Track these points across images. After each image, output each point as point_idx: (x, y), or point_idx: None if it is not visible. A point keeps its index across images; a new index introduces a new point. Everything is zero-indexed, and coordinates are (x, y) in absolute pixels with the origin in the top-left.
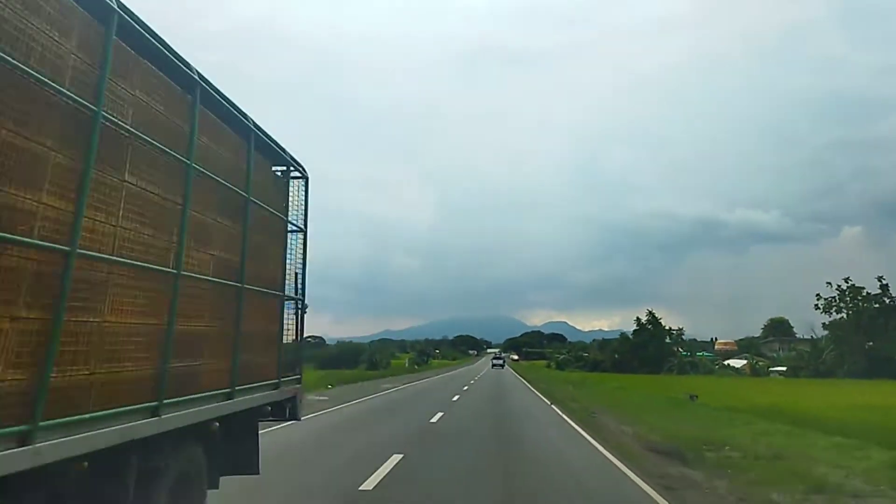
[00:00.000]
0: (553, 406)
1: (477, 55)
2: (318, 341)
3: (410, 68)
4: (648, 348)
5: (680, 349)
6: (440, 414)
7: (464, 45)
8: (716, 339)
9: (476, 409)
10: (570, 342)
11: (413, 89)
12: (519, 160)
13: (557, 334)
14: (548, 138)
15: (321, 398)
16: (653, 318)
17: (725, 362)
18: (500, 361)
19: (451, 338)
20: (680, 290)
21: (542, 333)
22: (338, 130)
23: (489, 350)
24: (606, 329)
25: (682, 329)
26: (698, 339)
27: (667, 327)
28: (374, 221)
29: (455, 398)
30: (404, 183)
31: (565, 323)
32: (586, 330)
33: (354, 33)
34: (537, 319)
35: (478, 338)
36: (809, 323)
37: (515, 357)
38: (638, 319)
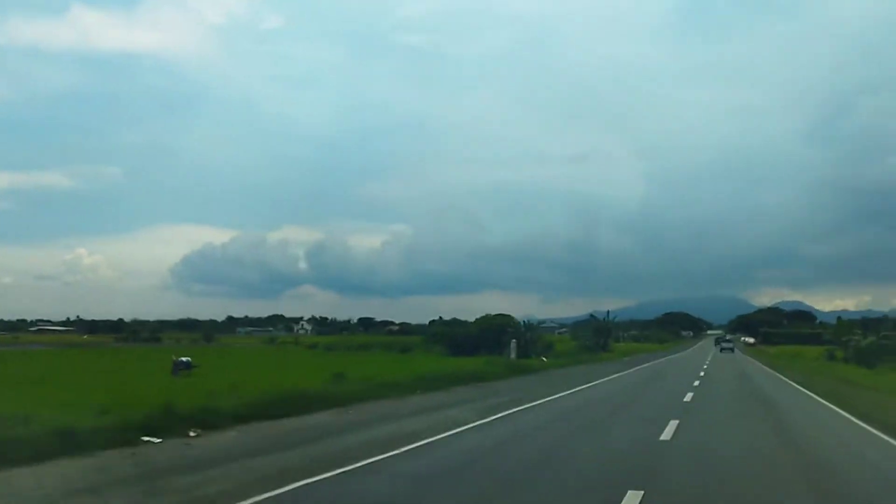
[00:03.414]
0: None
1: (700, 7)
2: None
3: (624, 29)
4: None
5: None
6: None
7: None
8: None
9: None
10: (820, 322)
11: (627, 52)
12: (749, 120)
13: (803, 312)
14: (786, 91)
15: None
16: None
17: None
18: (729, 345)
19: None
20: None
21: (782, 311)
22: (548, 104)
23: (710, 332)
24: (853, 309)
25: None
26: None
27: None
28: (584, 197)
29: None
30: (615, 154)
31: (801, 303)
32: (827, 310)
33: (563, 2)
34: (766, 299)
35: (694, 316)
36: None
37: (751, 340)
38: None
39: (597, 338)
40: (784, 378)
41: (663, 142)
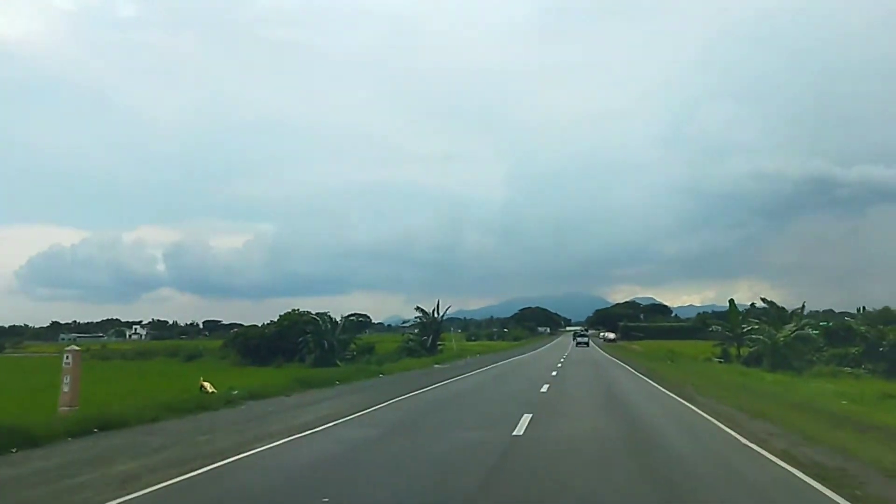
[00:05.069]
0: None
1: (563, 10)
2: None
3: (489, 29)
4: None
5: None
6: None
7: (549, 1)
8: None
9: None
10: (675, 316)
11: (491, 52)
12: (606, 123)
13: (660, 305)
14: (638, 97)
15: None
16: None
17: None
18: (585, 339)
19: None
20: (785, 259)
21: (639, 305)
22: (415, 103)
23: (568, 328)
24: (698, 304)
25: None
26: None
27: None
28: (450, 197)
29: None
30: (480, 155)
31: (653, 299)
32: (675, 306)
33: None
34: (620, 296)
35: (552, 311)
36: None
37: (612, 336)
38: None
39: (423, 337)
40: (744, 440)
41: (525, 142)
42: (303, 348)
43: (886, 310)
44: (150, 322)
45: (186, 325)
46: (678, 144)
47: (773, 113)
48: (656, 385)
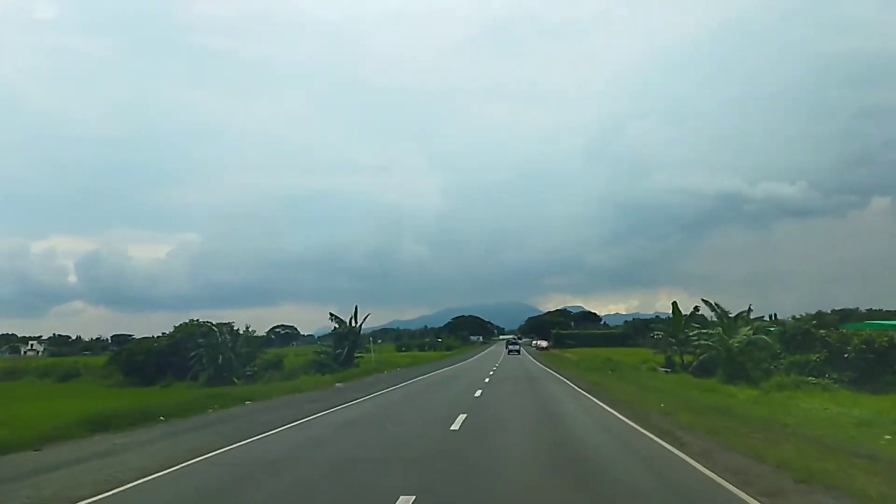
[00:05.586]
0: None
1: (500, 29)
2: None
3: (430, 46)
4: None
5: None
6: None
7: (487, 19)
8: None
9: None
10: (604, 323)
11: (432, 68)
12: (539, 139)
13: (590, 313)
14: (568, 113)
15: None
16: None
17: None
18: (516, 347)
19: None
20: (699, 269)
21: (570, 313)
22: (353, 113)
23: (501, 336)
24: (624, 313)
25: None
26: None
27: None
28: (385, 207)
29: None
30: (417, 166)
31: (581, 307)
32: (603, 314)
33: (371, 13)
34: (551, 304)
35: (485, 320)
36: None
37: (545, 344)
38: None
39: (338, 350)
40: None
41: (461, 154)
42: (195, 364)
43: (820, 314)
44: (50, 337)
45: (92, 339)
46: (606, 160)
47: (693, 132)
48: (611, 410)
